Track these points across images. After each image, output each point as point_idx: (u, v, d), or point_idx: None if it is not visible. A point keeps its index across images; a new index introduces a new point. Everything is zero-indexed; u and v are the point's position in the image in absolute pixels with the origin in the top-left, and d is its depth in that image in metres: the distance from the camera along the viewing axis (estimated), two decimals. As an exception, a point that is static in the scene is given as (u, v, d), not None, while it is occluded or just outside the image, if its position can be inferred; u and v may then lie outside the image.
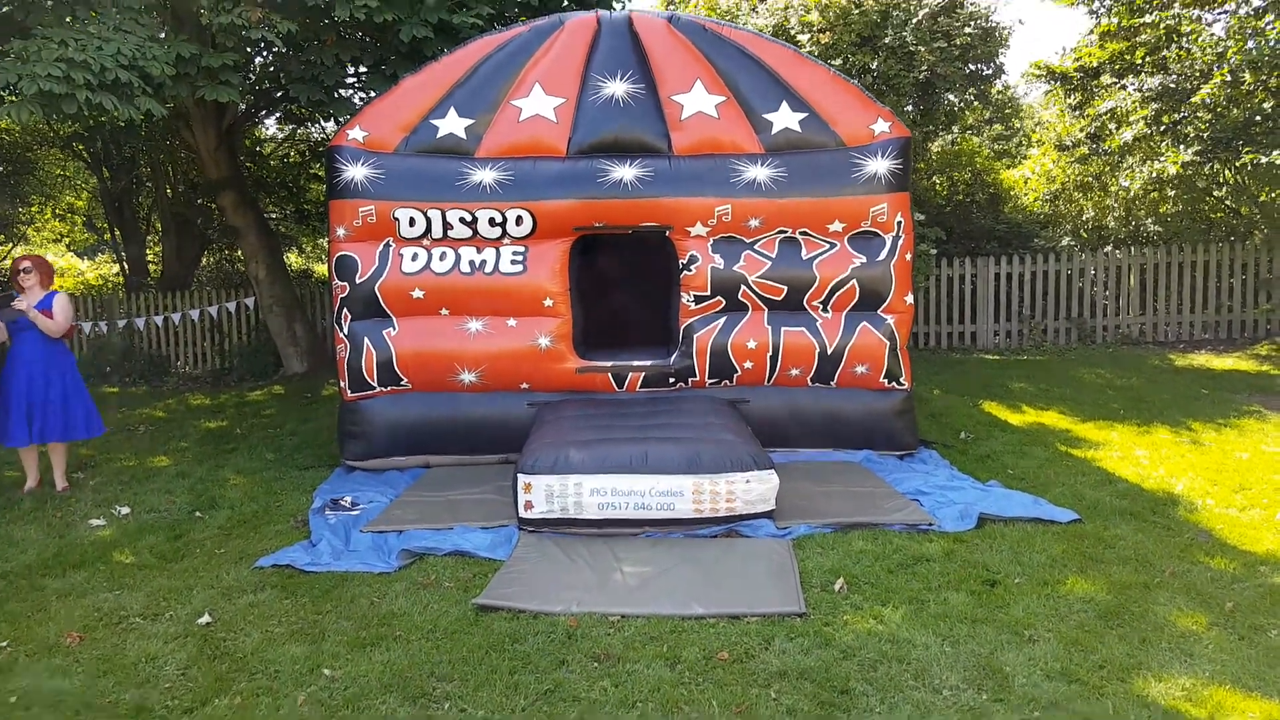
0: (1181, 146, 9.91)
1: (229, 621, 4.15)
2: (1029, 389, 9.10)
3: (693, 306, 6.59)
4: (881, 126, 6.49)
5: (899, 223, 6.52)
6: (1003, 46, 10.44)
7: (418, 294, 6.49)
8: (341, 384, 6.65)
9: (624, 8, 9.20)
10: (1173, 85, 9.95)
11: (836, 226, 6.49)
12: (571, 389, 6.71)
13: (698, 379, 6.68)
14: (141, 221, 15.26)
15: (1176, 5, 9.91)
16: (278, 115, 13.04)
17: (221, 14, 7.36)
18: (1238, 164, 9.99)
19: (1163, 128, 10.16)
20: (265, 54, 9.00)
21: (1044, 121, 12.10)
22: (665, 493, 5.06)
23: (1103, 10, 10.45)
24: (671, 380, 6.70)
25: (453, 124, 6.53)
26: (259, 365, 11.86)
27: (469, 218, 6.46)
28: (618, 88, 6.52)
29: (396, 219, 6.46)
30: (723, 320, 6.59)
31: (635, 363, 6.72)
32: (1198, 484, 5.78)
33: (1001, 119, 10.87)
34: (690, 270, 6.53)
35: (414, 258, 6.52)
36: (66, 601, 4.43)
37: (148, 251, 15.52)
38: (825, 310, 6.59)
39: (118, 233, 15.00)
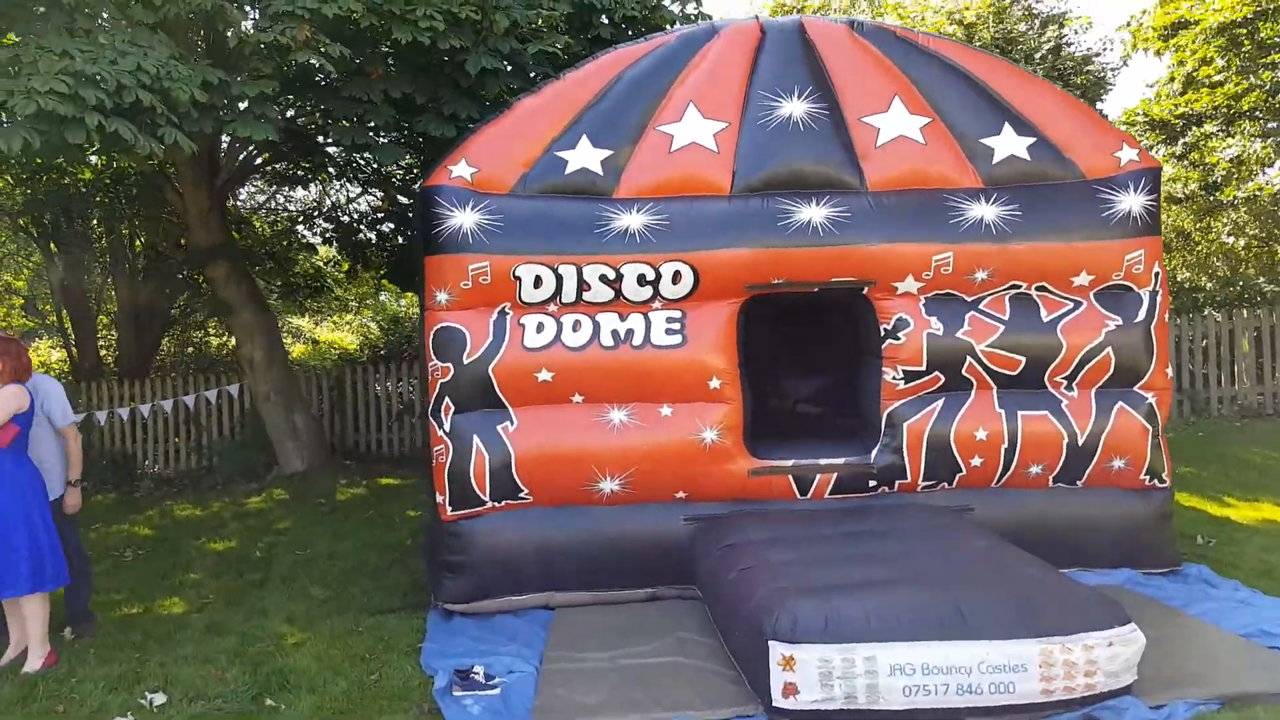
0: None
1: None
2: (1200, 473, 7.75)
3: (901, 385, 5.06)
4: (1129, 155, 5.16)
5: (1156, 274, 5.15)
6: (1107, 90, 9.42)
7: (545, 376, 4.86)
8: (439, 499, 4.92)
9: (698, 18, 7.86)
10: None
11: (1082, 280, 5.08)
12: (739, 497, 5.10)
13: (907, 481, 5.12)
14: (93, 301, 13.25)
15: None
16: (267, 171, 11.31)
17: (259, 31, 5.80)
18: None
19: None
20: (303, 85, 7.33)
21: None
22: (1001, 667, 3.44)
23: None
24: (871, 483, 5.13)
25: (585, 156, 5.01)
26: (247, 463, 9.94)
27: (612, 275, 4.89)
28: (795, 108, 5.09)
29: (518, 278, 4.86)
30: (941, 402, 5.07)
31: (823, 461, 5.14)
32: None
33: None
34: (898, 338, 5.03)
35: (539, 329, 4.91)
36: None
37: (99, 334, 13.46)
38: (1070, 388, 5.13)
39: (64, 314, 12.97)
